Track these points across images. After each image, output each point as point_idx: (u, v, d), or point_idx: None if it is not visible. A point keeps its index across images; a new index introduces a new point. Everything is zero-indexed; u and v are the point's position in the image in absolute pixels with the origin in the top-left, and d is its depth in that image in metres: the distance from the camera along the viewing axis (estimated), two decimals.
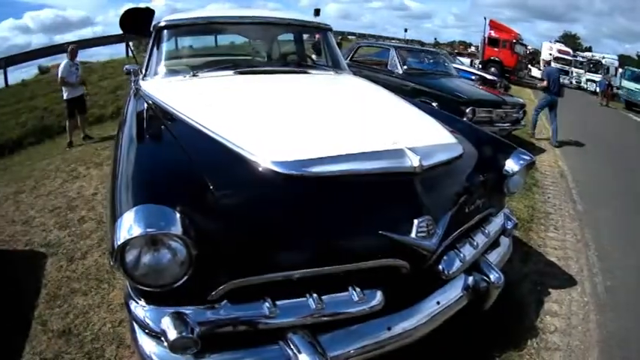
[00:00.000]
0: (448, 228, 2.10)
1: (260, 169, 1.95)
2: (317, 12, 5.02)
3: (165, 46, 3.64)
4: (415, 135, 2.41)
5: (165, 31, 3.65)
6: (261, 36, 4.80)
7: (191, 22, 3.90)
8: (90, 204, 5.12)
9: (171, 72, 3.52)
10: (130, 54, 16.43)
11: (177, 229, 1.57)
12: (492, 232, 2.60)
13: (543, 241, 4.56)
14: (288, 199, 1.91)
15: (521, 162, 2.70)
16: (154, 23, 3.77)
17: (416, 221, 1.95)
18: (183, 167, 1.97)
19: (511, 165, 2.68)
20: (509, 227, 2.81)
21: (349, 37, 39.16)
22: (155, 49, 3.59)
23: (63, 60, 8.58)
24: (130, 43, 15.75)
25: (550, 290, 3.58)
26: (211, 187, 1.82)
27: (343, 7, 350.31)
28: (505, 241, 2.88)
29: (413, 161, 2.00)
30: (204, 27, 4.06)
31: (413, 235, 1.93)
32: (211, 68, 3.56)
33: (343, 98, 3.22)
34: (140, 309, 1.76)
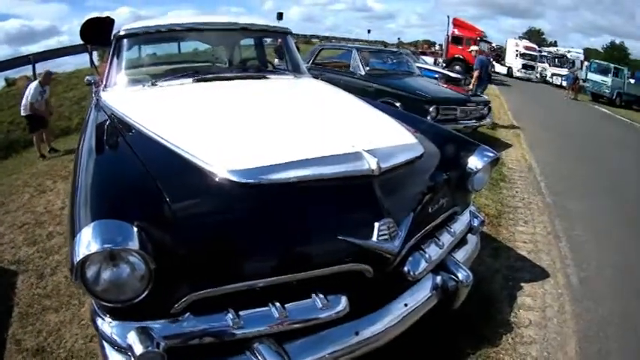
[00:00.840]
0: (411, 229, 2.09)
1: (217, 179, 1.93)
2: (280, 16, 5.06)
3: (124, 56, 3.59)
4: (373, 137, 2.39)
5: (124, 40, 3.61)
6: (221, 42, 4.80)
7: (150, 30, 3.82)
8: (57, 219, 5.04)
9: (131, 82, 3.48)
10: (94, 64, 16.14)
11: (135, 244, 1.55)
12: (458, 230, 2.61)
13: (513, 235, 4.60)
14: (245, 208, 1.90)
15: (485, 159, 2.71)
16: (113, 32, 3.71)
17: (377, 224, 1.94)
18: (140, 180, 1.94)
19: (474, 162, 2.69)
20: (475, 224, 2.82)
21: (312, 39, 39.05)
22: (115, 58, 3.54)
23: (29, 74, 8.47)
24: (95, 53, 15.48)
25: (522, 284, 3.60)
26: (168, 200, 1.80)
27: (306, 10, 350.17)
28: (472, 239, 2.89)
29: (371, 164, 2.00)
30: (163, 35, 3.99)
31: (374, 238, 1.92)
32: (170, 77, 3.52)
33: (301, 102, 3.21)
34: (106, 325, 1.74)
